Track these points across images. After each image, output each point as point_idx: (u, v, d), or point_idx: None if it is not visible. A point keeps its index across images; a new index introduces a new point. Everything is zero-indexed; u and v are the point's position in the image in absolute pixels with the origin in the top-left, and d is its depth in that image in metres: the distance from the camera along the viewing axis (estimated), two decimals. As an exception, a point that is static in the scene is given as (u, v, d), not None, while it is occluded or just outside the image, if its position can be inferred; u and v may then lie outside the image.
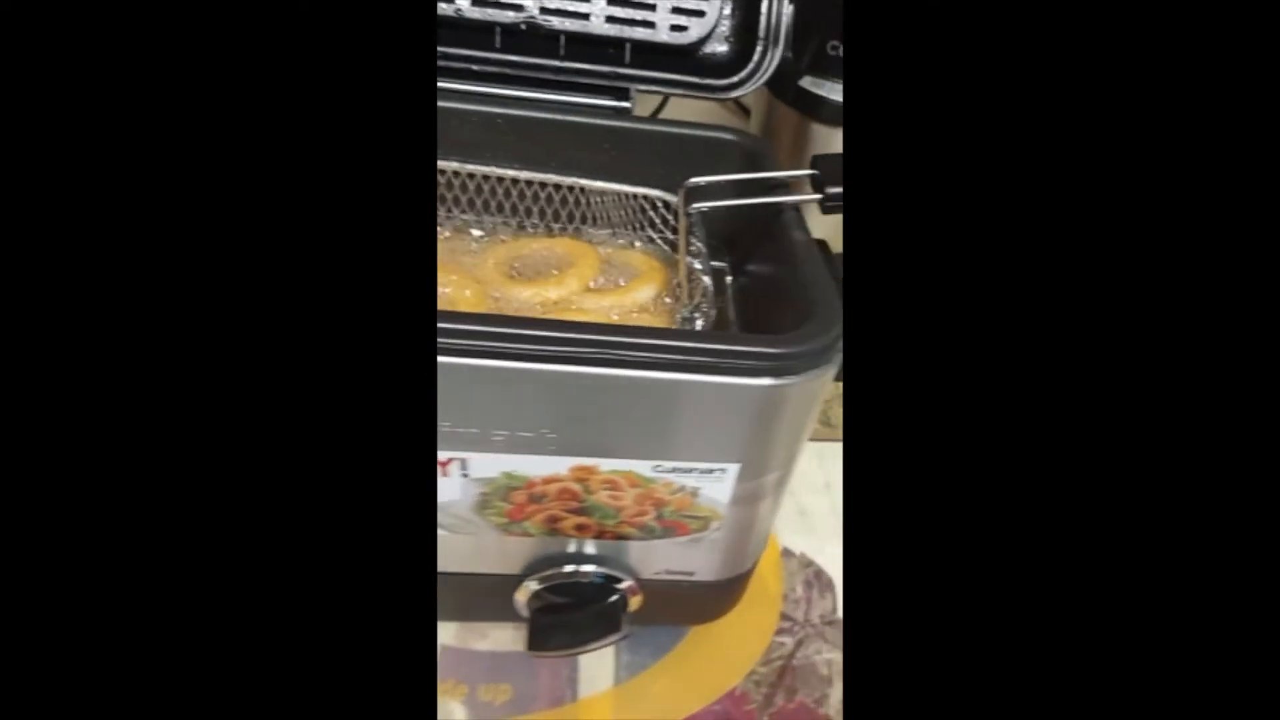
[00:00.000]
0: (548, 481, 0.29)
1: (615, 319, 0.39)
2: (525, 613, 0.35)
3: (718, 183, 0.40)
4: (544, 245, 0.44)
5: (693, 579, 0.34)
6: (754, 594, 0.41)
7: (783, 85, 0.62)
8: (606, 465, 0.28)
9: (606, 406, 0.27)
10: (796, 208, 0.38)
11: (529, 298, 0.39)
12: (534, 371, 0.26)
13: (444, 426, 0.27)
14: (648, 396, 0.27)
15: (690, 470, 0.29)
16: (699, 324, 0.37)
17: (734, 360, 0.26)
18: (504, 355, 0.25)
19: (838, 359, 0.28)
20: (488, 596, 0.35)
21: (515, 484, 0.29)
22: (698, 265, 0.38)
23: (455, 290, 0.38)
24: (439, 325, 0.25)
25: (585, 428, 0.28)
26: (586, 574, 0.33)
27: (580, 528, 0.31)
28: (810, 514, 0.50)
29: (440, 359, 0.25)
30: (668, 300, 0.41)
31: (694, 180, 0.40)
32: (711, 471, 0.29)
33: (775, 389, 0.27)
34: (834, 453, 0.54)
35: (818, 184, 0.36)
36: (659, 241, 0.45)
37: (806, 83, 0.61)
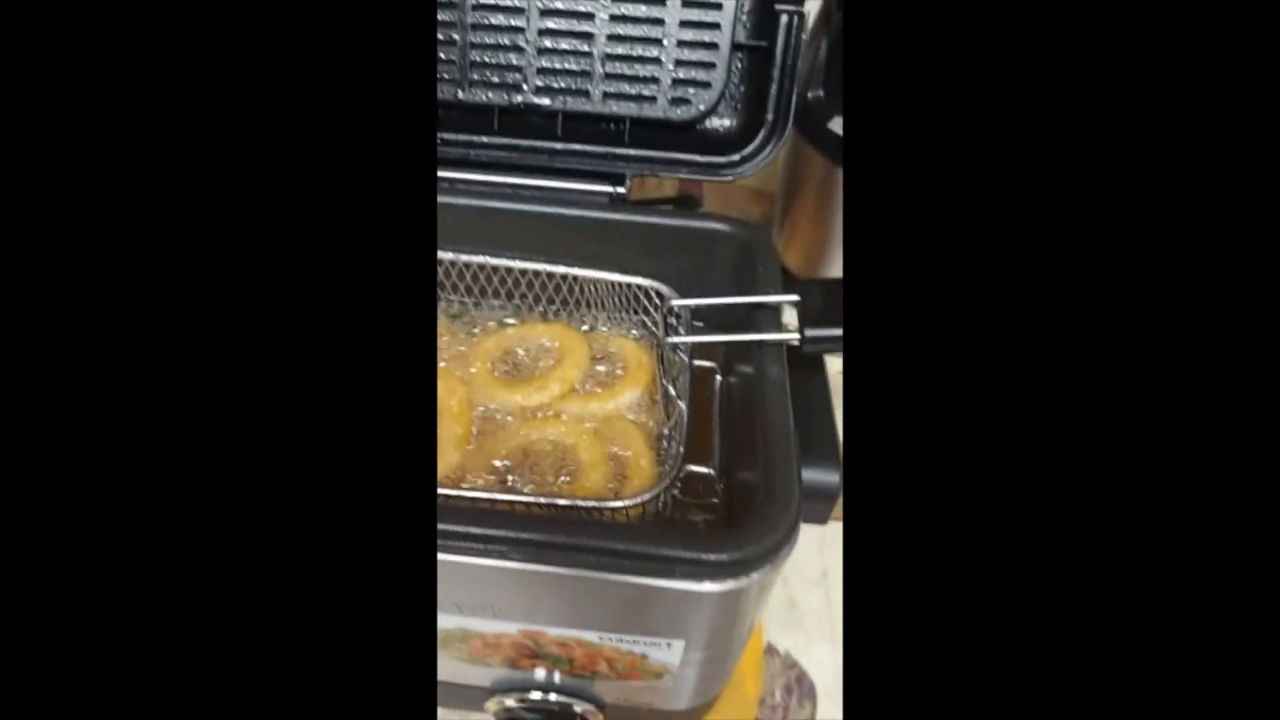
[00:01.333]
0: (499, 636, 0.30)
1: (597, 427, 0.39)
2: (494, 721, 0.37)
3: (705, 305, 0.39)
4: (535, 334, 0.44)
5: (655, 708, 0.35)
6: (729, 696, 0.41)
7: (812, 126, 0.59)
8: (553, 632, 0.29)
9: (549, 595, 0.28)
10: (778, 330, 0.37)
11: (515, 404, 0.40)
12: (478, 566, 0.26)
13: None
14: (587, 589, 0.27)
15: (636, 641, 0.29)
16: (674, 448, 0.36)
17: (683, 565, 0.26)
18: (449, 550, 0.26)
19: (789, 550, 0.27)
20: (461, 697, 0.37)
21: (470, 636, 0.30)
22: (673, 391, 0.37)
23: (442, 400, 0.39)
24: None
25: (531, 609, 0.28)
26: (550, 700, 0.34)
27: (536, 666, 0.33)
28: (801, 607, 0.47)
29: None
30: (649, 405, 0.41)
31: (677, 302, 0.39)
32: (658, 644, 0.29)
33: (725, 594, 0.26)
34: (834, 538, 0.49)
35: (801, 315, 0.35)
36: (651, 328, 0.45)
37: (836, 125, 0.58)
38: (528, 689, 0.34)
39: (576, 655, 0.31)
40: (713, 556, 0.26)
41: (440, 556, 0.27)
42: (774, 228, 0.68)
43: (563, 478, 0.37)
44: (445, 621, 0.30)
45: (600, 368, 0.43)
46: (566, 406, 0.40)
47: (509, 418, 0.40)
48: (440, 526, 0.27)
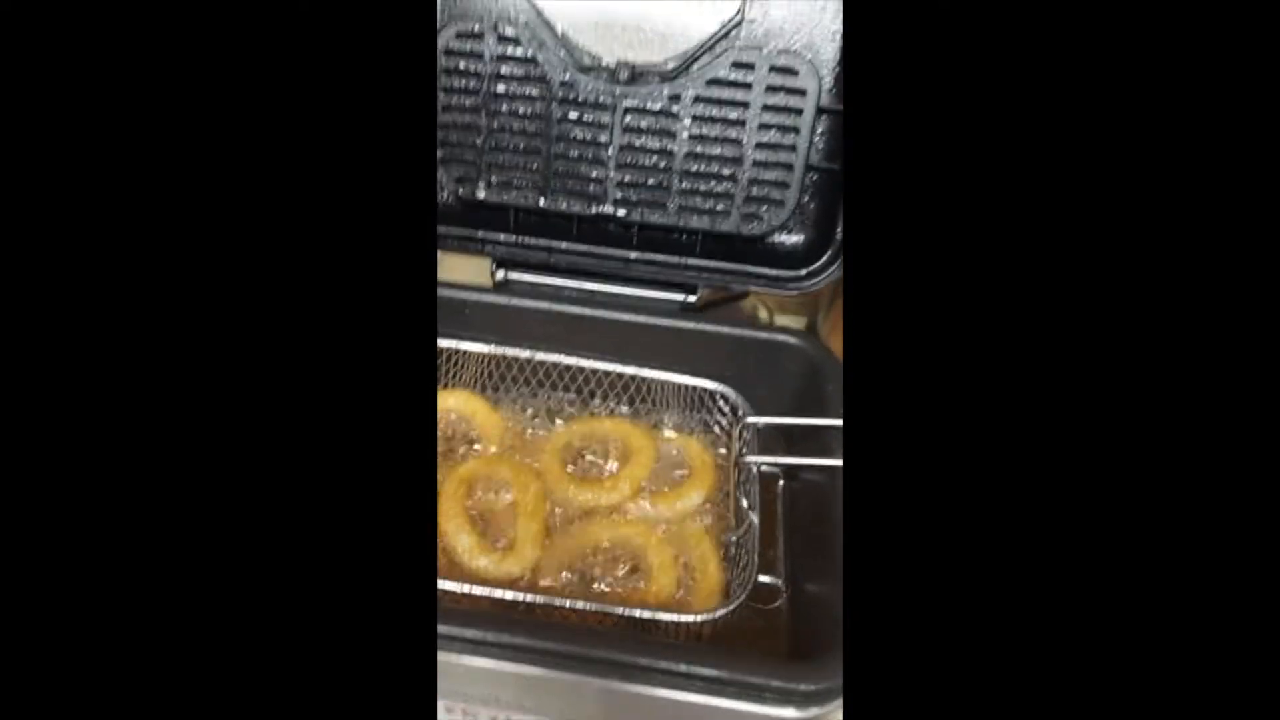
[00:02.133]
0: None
1: (664, 530, 0.40)
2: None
3: (778, 424, 0.40)
4: (604, 431, 0.46)
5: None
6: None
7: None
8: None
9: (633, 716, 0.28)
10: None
11: (586, 502, 0.41)
12: (567, 680, 0.27)
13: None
14: (677, 713, 0.28)
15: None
16: (744, 557, 0.37)
17: (772, 692, 0.27)
18: (536, 663, 0.27)
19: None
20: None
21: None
22: (745, 503, 0.38)
23: (519, 494, 0.40)
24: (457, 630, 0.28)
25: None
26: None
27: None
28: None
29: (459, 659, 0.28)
30: (715, 509, 0.42)
31: (752, 420, 0.41)
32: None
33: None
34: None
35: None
36: (717, 430, 0.46)
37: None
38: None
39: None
40: (803, 687, 0.27)
41: (527, 669, 0.28)
42: (820, 315, 0.70)
43: (633, 580, 0.38)
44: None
45: (667, 467, 0.44)
46: (634, 506, 0.41)
47: (578, 515, 0.41)
48: (526, 641, 0.28)
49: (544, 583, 0.38)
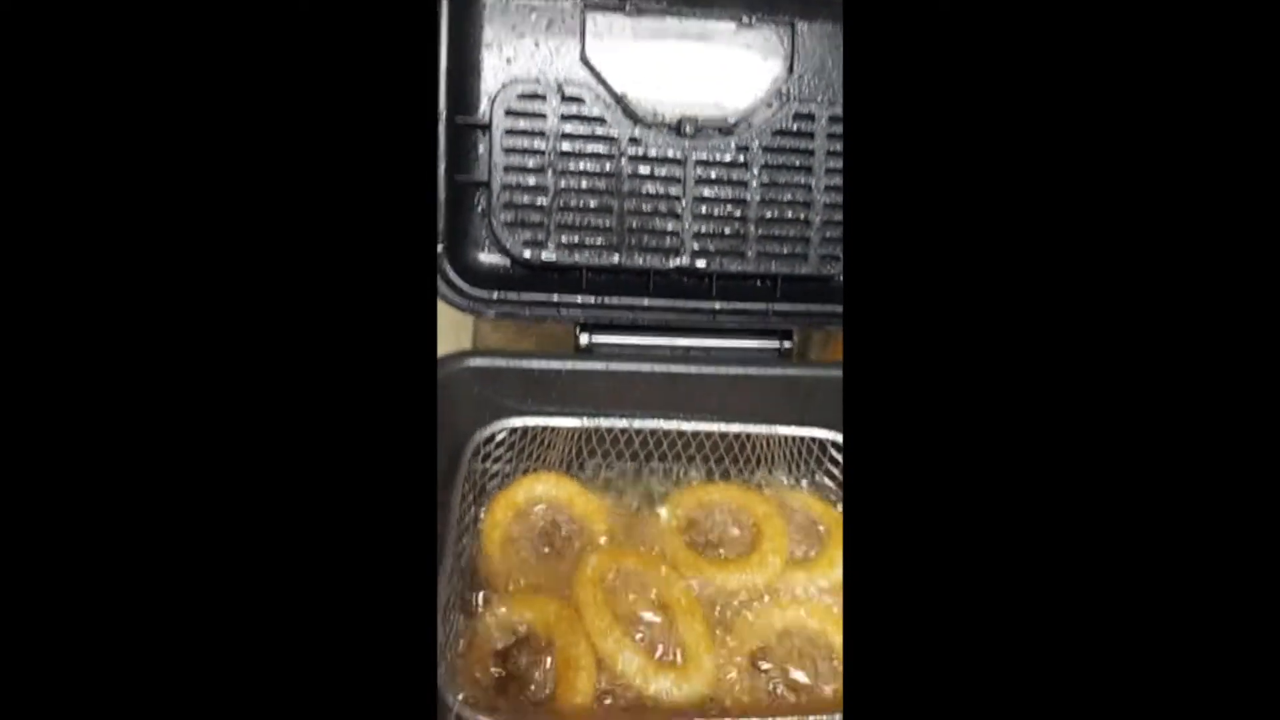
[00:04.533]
0: None
1: (837, 611, 0.36)
2: None
3: None
4: (718, 499, 0.41)
5: None
6: None
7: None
8: None
9: None
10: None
11: (737, 584, 0.36)
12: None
13: None
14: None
15: None
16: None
17: None
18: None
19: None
20: None
21: None
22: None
23: (662, 589, 0.34)
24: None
25: None
26: None
27: None
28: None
29: None
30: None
31: None
32: None
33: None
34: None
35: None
36: (831, 484, 0.43)
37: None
38: None
39: None
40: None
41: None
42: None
43: (825, 678, 0.33)
44: None
45: (797, 530, 0.40)
46: (791, 585, 0.36)
47: (730, 605, 0.35)
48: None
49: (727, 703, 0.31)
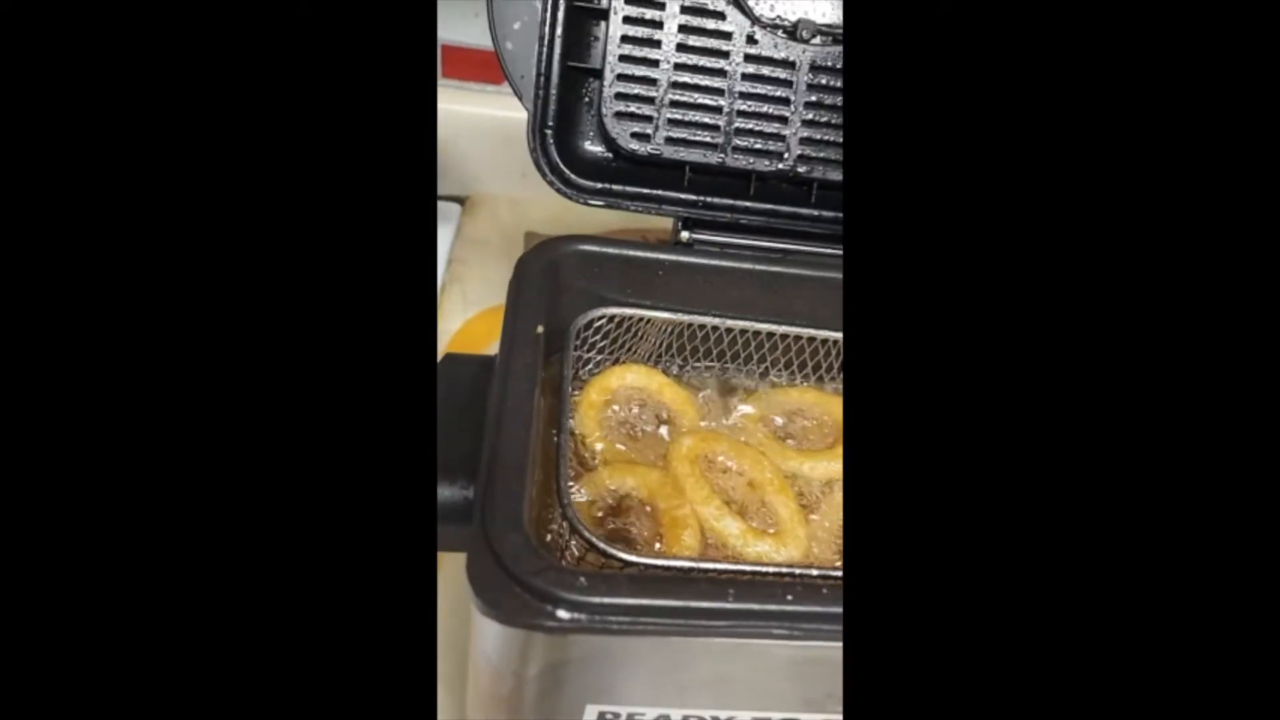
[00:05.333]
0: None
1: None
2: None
3: None
4: (799, 400, 0.42)
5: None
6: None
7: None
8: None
9: None
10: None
11: (823, 473, 0.37)
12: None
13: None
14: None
15: None
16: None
17: None
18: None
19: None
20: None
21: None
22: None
23: (755, 469, 0.36)
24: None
25: None
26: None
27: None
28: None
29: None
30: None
31: None
32: None
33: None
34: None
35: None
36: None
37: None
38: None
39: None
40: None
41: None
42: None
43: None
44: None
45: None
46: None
47: (821, 490, 0.37)
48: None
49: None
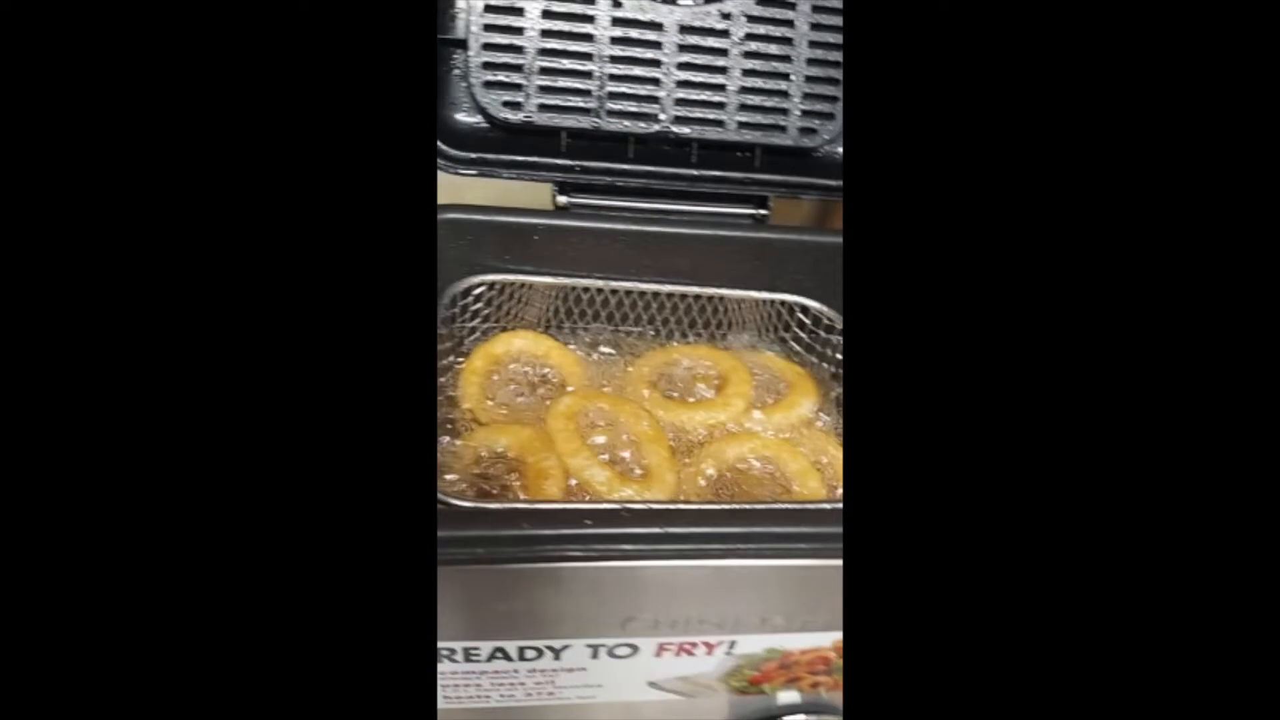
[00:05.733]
0: (805, 653, 0.28)
1: (786, 437, 0.38)
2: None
3: None
4: (687, 355, 0.43)
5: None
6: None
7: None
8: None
9: None
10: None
11: (701, 421, 0.38)
12: (827, 568, 0.24)
13: (727, 618, 0.26)
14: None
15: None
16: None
17: None
18: (791, 554, 0.24)
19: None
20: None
21: (773, 657, 0.28)
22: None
23: (632, 422, 0.36)
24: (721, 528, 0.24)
25: None
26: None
27: (815, 685, 0.30)
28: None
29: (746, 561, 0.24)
30: (825, 418, 0.40)
31: None
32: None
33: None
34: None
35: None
36: (796, 345, 0.45)
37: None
38: (779, 715, 0.32)
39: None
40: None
41: (777, 563, 0.24)
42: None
43: (777, 493, 0.35)
44: (757, 644, 0.27)
45: (762, 384, 0.42)
46: (750, 422, 0.38)
47: (697, 439, 0.38)
48: (767, 529, 0.24)
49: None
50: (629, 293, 0.42)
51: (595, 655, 0.26)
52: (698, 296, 0.43)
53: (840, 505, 0.29)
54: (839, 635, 0.27)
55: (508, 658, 0.26)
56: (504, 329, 0.42)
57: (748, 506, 0.29)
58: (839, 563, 0.25)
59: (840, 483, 0.36)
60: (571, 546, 0.23)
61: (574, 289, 0.42)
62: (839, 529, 0.25)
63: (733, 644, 0.27)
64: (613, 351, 0.43)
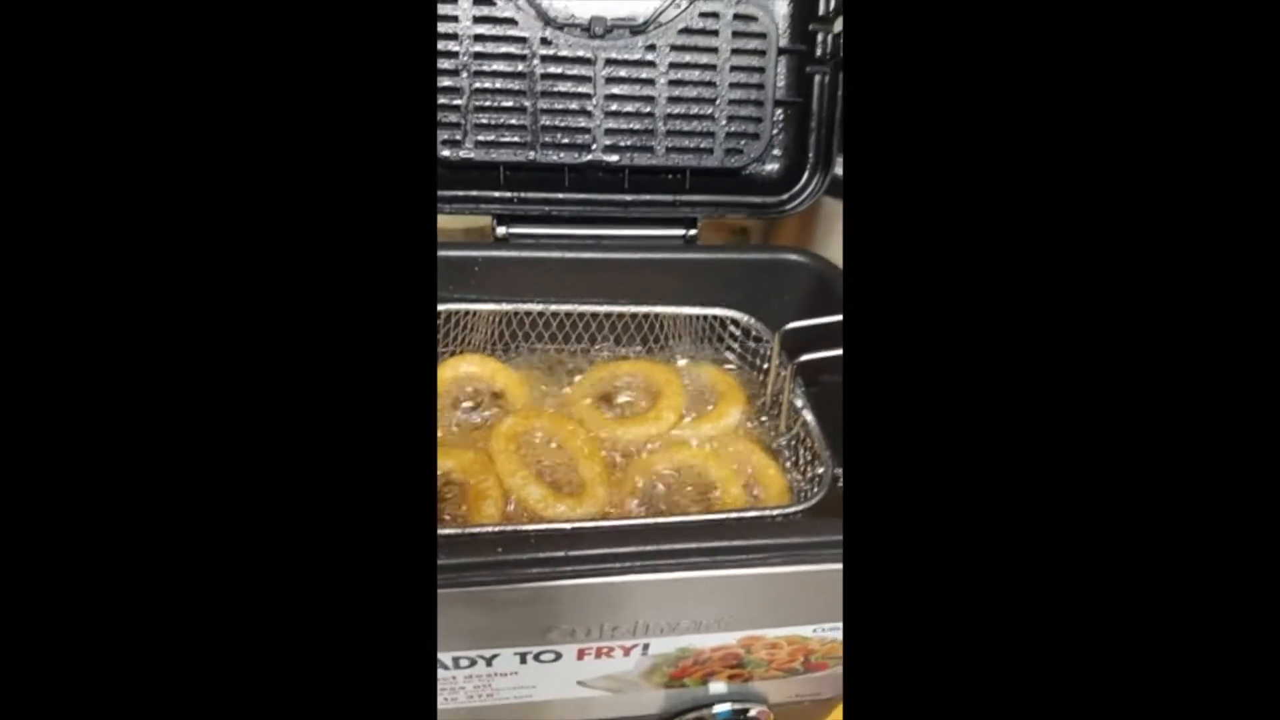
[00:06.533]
0: (715, 650, 0.31)
1: (713, 448, 0.41)
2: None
3: (812, 325, 0.41)
4: (626, 371, 0.45)
5: (820, 698, 0.36)
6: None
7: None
8: (773, 634, 0.30)
9: (781, 595, 0.29)
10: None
11: (636, 437, 0.41)
12: (716, 577, 0.27)
13: (638, 625, 0.28)
14: (814, 584, 0.28)
15: (837, 627, 0.30)
16: (800, 458, 0.39)
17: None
18: (684, 568, 0.27)
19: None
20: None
21: (686, 655, 0.31)
22: (799, 403, 0.40)
23: (568, 440, 0.39)
24: (627, 548, 0.27)
25: (761, 613, 0.29)
26: (723, 712, 0.34)
27: (732, 677, 0.33)
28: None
29: (649, 577, 0.27)
30: (750, 424, 0.43)
31: (791, 325, 0.41)
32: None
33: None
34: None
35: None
36: (730, 357, 0.47)
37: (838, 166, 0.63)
38: (704, 705, 0.35)
39: (781, 656, 0.32)
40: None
41: (672, 575, 0.27)
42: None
43: (702, 501, 0.38)
44: (670, 645, 0.30)
45: (695, 394, 0.45)
46: (683, 434, 0.41)
47: (630, 451, 0.40)
48: (677, 547, 0.27)
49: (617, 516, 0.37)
50: (569, 314, 0.45)
51: (524, 661, 0.29)
52: (634, 315, 0.46)
53: (724, 516, 0.33)
54: (744, 633, 0.30)
55: (444, 666, 0.29)
56: (453, 353, 0.44)
57: (647, 523, 0.32)
58: (738, 572, 0.27)
59: (762, 488, 0.38)
60: (483, 573, 0.25)
61: (516, 314, 0.44)
62: (736, 541, 0.28)
63: (646, 646, 0.30)
64: (554, 372, 0.45)
